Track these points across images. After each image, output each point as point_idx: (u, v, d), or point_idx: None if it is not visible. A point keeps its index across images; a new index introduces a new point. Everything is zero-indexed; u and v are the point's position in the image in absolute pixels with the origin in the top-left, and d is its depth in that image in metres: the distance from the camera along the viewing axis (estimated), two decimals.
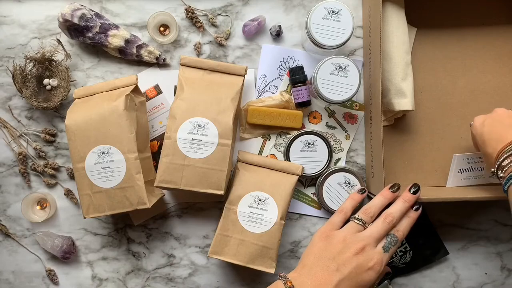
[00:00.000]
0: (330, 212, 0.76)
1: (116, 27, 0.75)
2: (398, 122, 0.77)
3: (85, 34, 0.74)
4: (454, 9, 0.77)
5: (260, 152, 0.78)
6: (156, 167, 0.73)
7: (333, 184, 0.75)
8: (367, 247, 0.59)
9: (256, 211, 0.70)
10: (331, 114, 0.78)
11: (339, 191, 0.75)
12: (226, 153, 0.67)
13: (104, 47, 0.76)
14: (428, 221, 0.77)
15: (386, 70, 0.72)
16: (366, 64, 0.76)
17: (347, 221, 0.64)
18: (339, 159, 0.78)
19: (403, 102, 0.72)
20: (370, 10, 0.73)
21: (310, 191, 0.78)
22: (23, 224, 0.79)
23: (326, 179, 0.75)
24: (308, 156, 0.76)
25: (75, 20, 0.73)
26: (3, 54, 0.78)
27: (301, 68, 0.75)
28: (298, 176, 0.73)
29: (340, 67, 0.69)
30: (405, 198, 0.65)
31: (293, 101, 0.76)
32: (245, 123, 0.77)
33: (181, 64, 0.72)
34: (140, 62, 0.78)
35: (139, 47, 0.75)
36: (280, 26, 0.77)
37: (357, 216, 0.63)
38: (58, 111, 0.78)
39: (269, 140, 0.78)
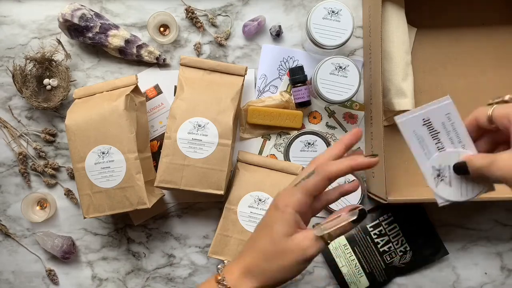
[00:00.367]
0: (329, 211, 0.76)
1: (116, 27, 0.75)
2: None
3: (85, 34, 0.74)
4: (454, 9, 0.77)
5: (260, 152, 0.78)
6: (156, 167, 0.73)
7: (333, 184, 0.75)
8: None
9: (256, 211, 0.70)
10: (331, 114, 0.78)
11: None
12: (226, 153, 0.67)
13: (104, 47, 0.76)
14: (428, 221, 0.77)
15: (386, 70, 0.72)
16: (366, 64, 0.76)
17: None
18: None
19: (404, 102, 0.72)
20: (370, 10, 0.73)
21: None
22: (23, 224, 0.79)
23: None
24: (308, 156, 0.76)
25: (75, 20, 0.73)
26: (3, 54, 0.78)
27: (301, 68, 0.75)
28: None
29: (340, 67, 0.69)
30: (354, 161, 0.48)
31: (293, 101, 0.76)
32: (245, 123, 0.77)
33: (181, 64, 0.72)
34: (140, 62, 0.78)
35: (139, 47, 0.75)
36: (280, 26, 0.77)
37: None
38: (58, 111, 0.78)
39: (269, 140, 0.78)
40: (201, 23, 0.77)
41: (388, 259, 0.77)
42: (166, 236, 0.79)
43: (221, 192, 0.68)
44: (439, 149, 0.46)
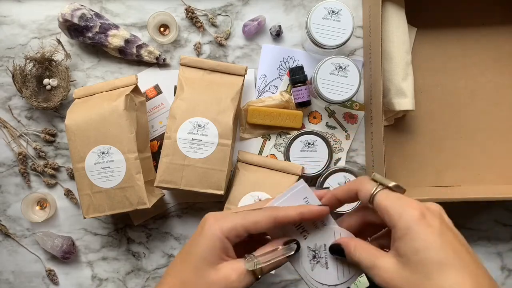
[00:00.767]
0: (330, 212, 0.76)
1: (116, 27, 0.75)
2: (398, 122, 0.77)
3: (85, 34, 0.74)
4: (454, 9, 0.77)
5: (260, 152, 0.78)
6: (156, 167, 0.73)
7: (333, 184, 0.75)
8: None
9: None
10: (331, 114, 0.78)
11: None
12: (226, 153, 0.67)
13: (104, 47, 0.76)
14: None
15: (386, 70, 0.72)
16: (366, 64, 0.76)
17: None
18: (339, 159, 0.78)
19: (404, 102, 0.72)
20: (370, 10, 0.73)
21: None
22: (23, 224, 0.79)
23: (326, 179, 0.75)
24: (308, 156, 0.76)
25: (75, 20, 0.73)
26: (3, 54, 0.78)
27: (301, 68, 0.75)
28: (298, 176, 0.73)
29: (340, 67, 0.69)
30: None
31: (293, 101, 0.76)
32: (245, 123, 0.77)
33: (181, 64, 0.72)
34: (140, 62, 0.78)
35: (139, 47, 0.75)
36: (280, 26, 0.77)
37: None
38: (58, 111, 0.78)
39: (269, 140, 0.78)
40: (201, 23, 0.77)
41: None
42: (166, 236, 0.79)
43: (221, 192, 0.68)
44: (304, 238, 0.43)
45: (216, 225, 0.40)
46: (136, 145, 0.67)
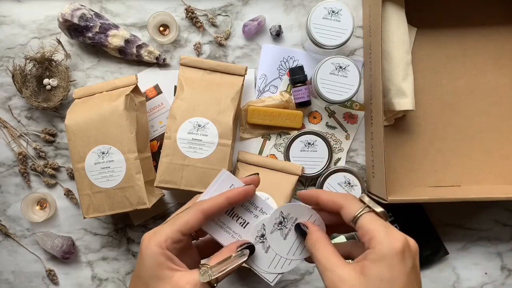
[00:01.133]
0: None
1: (116, 27, 0.75)
2: (398, 122, 0.77)
3: (85, 34, 0.74)
4: (454, 9, 0.77)
5: (260, 152, 0.78)
6: (156, 167, 0.73)
7: (333, 184, 0.75)
8: None
9: None
10: (331, 114, 0.78)
11: (339, 191, 0.75)
12: (226, 153, 0.67)
13: (104, 47, 0.76)
14: (428, 221, 0.77)
15: (386, 70, 0.72)
16: (366, 64, 0.76)
17: None
18: (339, 159, 0.78)
19: (404, 102, 0.72)
20: (370, 10, 0.73)
21: None
22: (23, 224, 0.79)
23: (326, 179, 0.75)
24: (308, 156, 0.76)
25: (75, 20, 0.73)
26: (3, 54, 0.78)
27: (301, 68, 0.75)
28: (298, 176, 0.73)
29: (340, 67, 0.69)
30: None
31: (293, 101, 0.76)
32: (245, 123, 0.77)
33: (181, 64, 0.72)
34: (140, 62, 0.78)
35: (139, 47, 0.75)
36: (280, 26, 0.77)
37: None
38: (58, 111, 0.78)
39: (269, 140, 0.78)
40: (201, 23, 0.77)
41: None
42: None
43: None
44: (242, 225, 0.44)
45: (151, 242, 0.40)
46: (136, 145, 0.67)
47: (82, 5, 0.74)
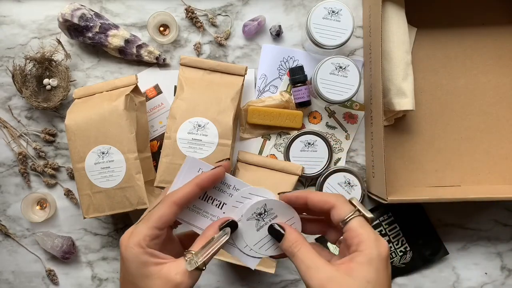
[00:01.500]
0: None
1: (116, 27, 0.75)
2: (398, 122, 0.77)
3: (85, 34, 0.74)
4: (454, 9, 0.77)
5: (260, 152, 0.78)
6: (156, 167, 0.73)
7: (333, 184, 0.75)
8: None
9: None
10: (331, 114, 0.78)
11: (339, 191, 0.75)
12: (226, 153, 0.67)
13: (104, 47, 0.76)
14: (428, 221, 0.77)
15: (386, 70, 0.72)
16: (367, 64, 0.76)
17: None
18: (339, 159, 0.78)
19: (404, 102, 0.72)
20: (370, 10, 0.73)
21: None
22: (23, 224, 0.79)
23: (326, 179, 0.75)
24: (308, 156, 0.76)
25: (75, 20, 0.73)
26: (3, 54, 0.78)
27: (301, 68, 0.75)
28: (298, 176, 0.73)
29: (340, 67, 0.69)
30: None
31: (293, 101, 0.76)
32: (245, 123, 0.77)
33: (181, 64, 0.72)
34: (140, 62, 0.78)
35: (139, 47, 0.75)
36: (280, 26, 0.77)
37: None
38: (58, 111, 0.78)
39: (269, 140, 0.78)
40: (201, 23, 0.77)
41: None
42: None
43: None
44: (218, 207, 0.43)
45: (130, 243, 0.40)
46: (136, 145, 0.67)
47: (82, 5, 0.74)
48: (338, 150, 0.78)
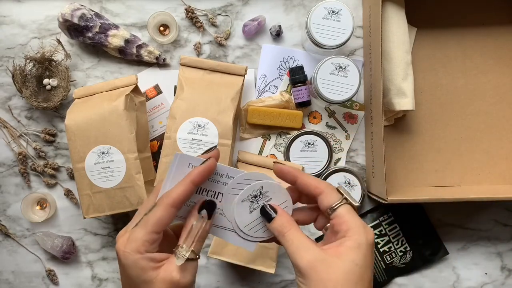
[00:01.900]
0: None
1: (116, 27, 0.75)
2: (398, 122, 0.77)
3: (85, 34, 0.74)
4: (454, 9, 0.77)
5: (260, 152, 0.78)
6: (156, 167, 0.73)
7: (333, 184, 0.75)
8: None
9: None
10: (331, 114, 0.78)
11: None
12: (226, 153, 0.67)
13: (104, 47, 0.76)
14: (428, 221, 0.77)
15: (386, 70, 0.72)
16: (367, 64, 0.76)
17: None
18: (339, 159, 0.78)
19: (404, 102, 0.72)
20: (370, 10, 0.73)
21: None
22: (23, 224, 0.79)
23: (326, 179, 0.75)
24: (308, 156, 0.76)
25: (75, 20, 0.73)
26: (3, 54, 0.78)
27: (301, 68, 0.75)
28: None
29: (340, 67, 0.69)
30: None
31: (293, 101, 0.76)
32: (245, 123, 0.77)
33: (181, 64, 0.72)
34: (140, 62, 0.78)
35: (139, 47, 0.75)
36: (280, 26, 0.77)
37: None
38: (58, 111, 0.78)
39: (269, 140, 0.78)
40: (201, 23, 0.77)
41: (388, 259, 0.77)
42: None
43: None
44: (214, 197, 0.43)
45: (128, 249, 0.40)
46: (136, 145, 0.67)
47: (82, 5, 0.74)
48: (338, 150, 0.78)
